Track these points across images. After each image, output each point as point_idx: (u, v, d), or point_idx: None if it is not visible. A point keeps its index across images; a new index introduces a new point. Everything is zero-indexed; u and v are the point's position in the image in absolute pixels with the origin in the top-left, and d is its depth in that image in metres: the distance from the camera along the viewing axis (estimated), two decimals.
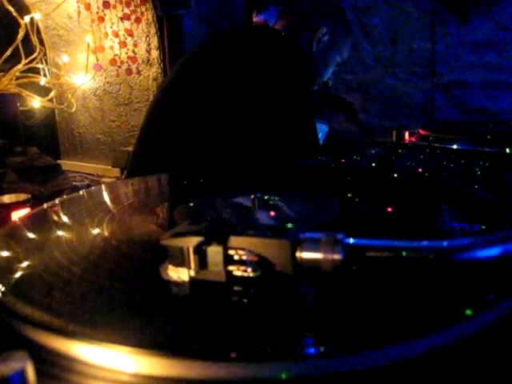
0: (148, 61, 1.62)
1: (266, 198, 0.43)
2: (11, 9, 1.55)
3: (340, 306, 0.26)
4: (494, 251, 0.25)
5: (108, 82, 1.77)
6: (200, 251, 0.27)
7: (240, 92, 0.90)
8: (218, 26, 1.60)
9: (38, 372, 0.18)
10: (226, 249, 0.27)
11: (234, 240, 0.27)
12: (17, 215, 0.54)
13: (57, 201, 0.50)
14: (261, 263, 0.27)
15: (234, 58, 0.95)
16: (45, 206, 0.48)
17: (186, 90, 0.95)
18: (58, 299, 0.28)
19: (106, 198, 0.55)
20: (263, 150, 0.86)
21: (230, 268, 0.27)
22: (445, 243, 0.26)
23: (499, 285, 0.27)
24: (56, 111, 1.99)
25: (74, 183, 1.63)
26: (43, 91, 1.74)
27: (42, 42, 1.69)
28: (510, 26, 1.70)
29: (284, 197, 0.45)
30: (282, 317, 0.25)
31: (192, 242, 0.27)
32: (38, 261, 0.35)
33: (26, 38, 1.61)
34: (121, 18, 1.60)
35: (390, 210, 0.44)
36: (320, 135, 1.40)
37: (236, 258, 0.27)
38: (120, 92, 1.75)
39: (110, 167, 1.74)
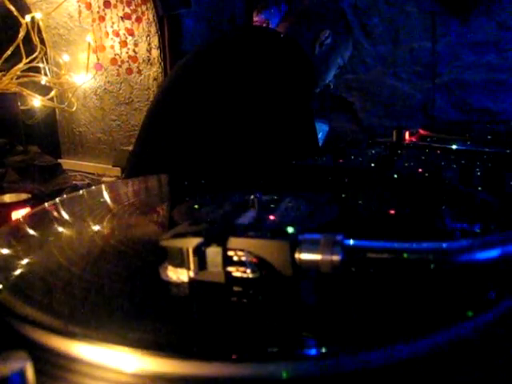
0: (148, 60, 1.62)
1: (265, 198, 0.43)
2: (12, 8, 1.56)
3: (340, 307, 0.26)
4: (493, 253, 0.25)
5: (108, 82, 1.77)
6: (199, 252, 0.27)
7: (240, 92, 0.91)
8: (219, 25, 1.60)
9: (38, 372, 0.18)
10: (225, 250, 0.27)
11: (233, 241, 0.27)
12: (17, 214, 0.54)
13: (57, 200, 0.50)
14: (260, 264, 0.27)
15: (235, 58, 0.95)
16: (45, 205, 0.48)
17: (187, 90, 0.95)
18: (58, 299, 0.28)
19: (107, 197, 0.55)
20: (263, 151, 0.86)
21: (230, 269, 0.27)
22: (444, 245, 0.26)
23: (499, 285, 0.27)
24: (56, 110, 1.99)
25: (74, 182, 1.63)
26: (44, 90, 1.74)
27: (42, 42, 1.69)
28: (510, 25, 1.69)
29: (284, 197, 0.45)
30: (282, 317, 0.25)
31: (191, 242, 0.27)
32: (39, 260, 0.35)
33: (27, 37, 1.61)
34: (121, 18, 1.60)
35: (389, 210, 0.44)
36: (320, 135, 1.40)
37: (235, 259, 0.27)
38: (120, 91, 1.75)
39: (110, 166, 1.74)
